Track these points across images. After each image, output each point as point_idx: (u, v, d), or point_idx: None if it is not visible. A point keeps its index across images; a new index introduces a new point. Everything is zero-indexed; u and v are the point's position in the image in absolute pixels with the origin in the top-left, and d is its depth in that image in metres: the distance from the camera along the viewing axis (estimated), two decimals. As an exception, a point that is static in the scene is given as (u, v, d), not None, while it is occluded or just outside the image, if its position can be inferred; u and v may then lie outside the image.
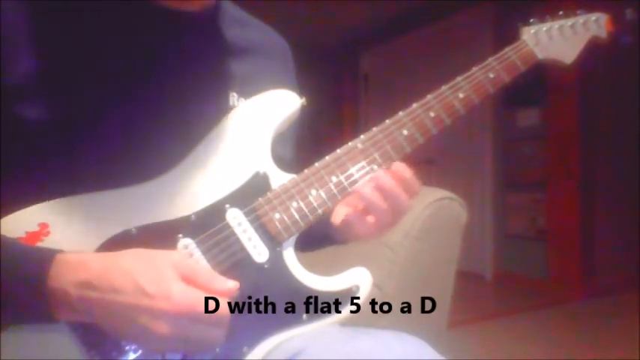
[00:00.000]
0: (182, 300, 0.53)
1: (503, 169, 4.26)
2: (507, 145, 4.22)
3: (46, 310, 0.55)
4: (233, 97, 0.74)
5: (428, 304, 1.12)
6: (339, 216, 0.76)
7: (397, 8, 4.65)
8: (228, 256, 0.64)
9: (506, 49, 0.79)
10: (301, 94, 0.75)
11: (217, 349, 0.61)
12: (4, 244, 0.57)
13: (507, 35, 0.84)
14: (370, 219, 0.71)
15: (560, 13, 0.84)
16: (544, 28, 0.82)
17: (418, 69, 4.82)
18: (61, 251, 0.57)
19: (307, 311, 0.66)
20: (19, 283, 0.55)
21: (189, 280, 0.55)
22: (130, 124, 0.65)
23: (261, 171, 0.68)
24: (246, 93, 0.73)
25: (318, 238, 0.81)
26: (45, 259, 0.56)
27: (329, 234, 0.79)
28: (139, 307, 0.53)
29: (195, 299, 0.54)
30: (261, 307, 0.64)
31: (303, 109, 0.75)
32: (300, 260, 0.68)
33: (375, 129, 0.72)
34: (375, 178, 0.70)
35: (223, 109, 0.71)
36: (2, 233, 0.58)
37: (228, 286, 0.57)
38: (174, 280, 0.54)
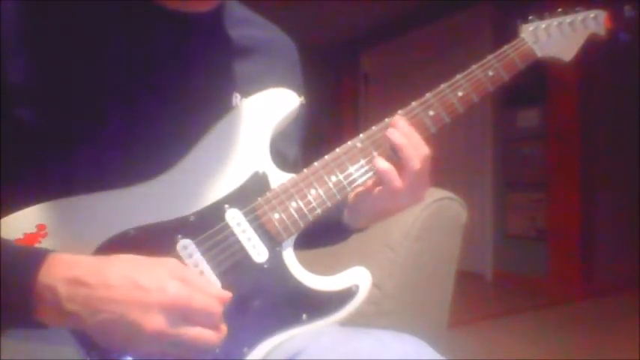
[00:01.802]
0: (177, 292, 0.53)
1: (503, 169, 4.26)
2: (507, 145, 4.21)
3: (28, 308, 0.53)
4: (236, 98, 0.73)
5: (428, 304, 1.12)
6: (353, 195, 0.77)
7: (397, 8, 4.65)
8: (228, 257, 0.64)
9: (505, 47, 0.79)
10: (304, 93, 0.75)
11: (217, 350, 0.60)
12: None
13: (506, 34, 0.84)
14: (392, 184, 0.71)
15: (559, 10, 0.84)
16: (543, 26, 0.82)
17: (418, 69, 4.82)
18: (55, 251, 0.56)
19: (307, 311, 0.65)
20: (8, 277, 0.53)
21: (182, 281, 0.55)
22: (131, 127, 0.65)
23: (260, 171, 0.68)
24: (249, 93, 0.73)
25: (333, 228, 0.81)
26: (38, 254, 0.55)
27: (345, 221, 0.80)
28: (132, 300, 0.52)
29: (190, 294, 0.53)
30: (261, 307, 0.64)
31: (304, 108, 0.75)
32: (299, 260, 0.67)
33: (374, 128, 0.72)
34: (394, 123, 0.71)
35: (226, 111, 0.71)
36: (0, 234, 0.58)
37: (221, 293, 0.57)
38: (169, 277, 0.54)
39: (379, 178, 0.71)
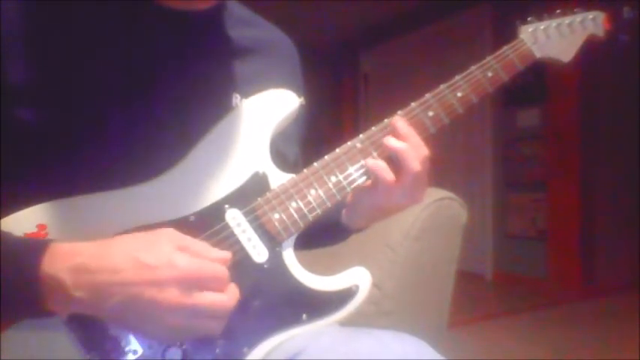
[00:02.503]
0: (187, 264, 0.54)
1: (503, 169, 4.26)
2: (507, 145, 4.22)
3: (37, 300, 0.53)
4: (236, 99, 0.73)
5: (428, 304, 1.12)
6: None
7: (397, 8, 4.66)
8: (228, 257, 0.64)
9: (505, 48, 0.79)
10: (304, 93, 0.75)
11: (217, 350, 0.61)
12: None
13: (506, 34, 0.84)
14: (387, 182, 0.70)
15: (558, 11, 0.84)
16: (542, 27, 0.82)
17: (418, 69, 4.83)
18: (55, 240, 0.56)
19: (307, 311, 0.65)
20: (12, 270, 0.53)
21: (185, 250, 0.56)
22: (131, 127, 0.65)
23: (260, 171, 0.68)
24: (249, 94, 0.73)
25: (333, 228, 0.81)
26: (39, 246, 0.55)
27: (343, 221, 0.80)
28: (143, 281, 0.52)
29: (199, 263, 0.55)
30: (261, 307, 0.64)
31: (303, 108, 0.75)
32: (299, 260, 0.68)
33: (374, 128, 0.72)
34: (394, 124, 0.71)
35: (226, 111, 0.71)
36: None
37: (222, 255, 0.58)
38: (173, 250, 0.55)
39: (372, 176, 0.72)
